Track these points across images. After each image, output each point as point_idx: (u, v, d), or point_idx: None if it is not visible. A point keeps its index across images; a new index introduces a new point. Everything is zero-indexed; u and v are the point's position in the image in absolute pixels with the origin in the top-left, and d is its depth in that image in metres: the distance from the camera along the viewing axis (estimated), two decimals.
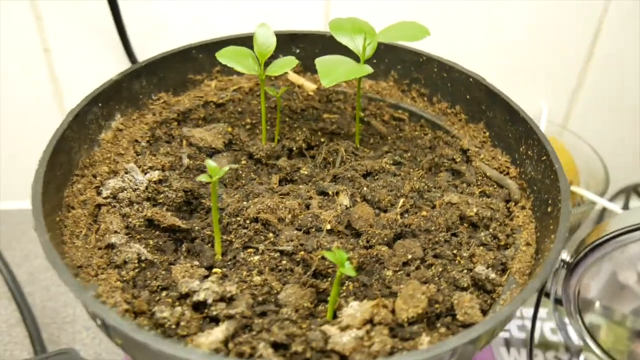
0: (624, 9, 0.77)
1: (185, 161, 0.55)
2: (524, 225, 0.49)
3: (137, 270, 0.45)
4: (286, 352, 0.39)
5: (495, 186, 0.53)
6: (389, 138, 0.60)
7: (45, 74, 0.77)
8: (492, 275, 0.45)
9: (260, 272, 0.46)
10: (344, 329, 0.41)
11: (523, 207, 0.51)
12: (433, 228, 0.49)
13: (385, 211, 0.52)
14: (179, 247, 0.49)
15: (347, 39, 0.52)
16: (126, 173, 0.52)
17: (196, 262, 0.47)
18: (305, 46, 0.64)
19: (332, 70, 0.48)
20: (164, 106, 0.59)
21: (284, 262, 0.46)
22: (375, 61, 0.63)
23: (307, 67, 0.65)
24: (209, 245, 0.49)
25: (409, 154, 0.58)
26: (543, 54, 0.81)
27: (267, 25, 0.53)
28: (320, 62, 0.49)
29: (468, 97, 0.58)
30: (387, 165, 0.56)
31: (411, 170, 0.56)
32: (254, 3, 0.76)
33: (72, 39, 0.76)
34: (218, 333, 0.40)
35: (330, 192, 0.52)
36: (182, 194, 0.52)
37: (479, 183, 0.54)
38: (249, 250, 0.47)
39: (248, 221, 0.49)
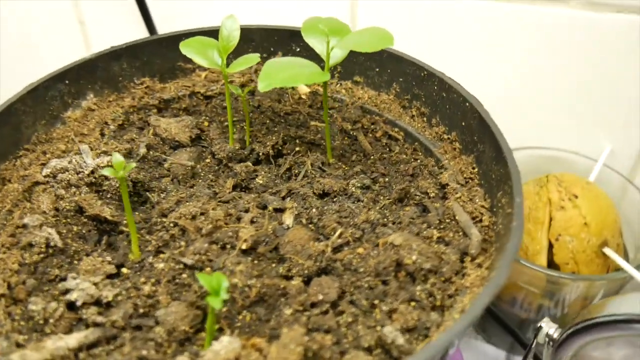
0: None
1: (142, 151, 0.53)
2: (472, 288, 0.40)
3: (42, 255, 0.44)
4: None
5: (460, 233, 0.45)
6: (372, 158, 0.53)
7: (81, 45, 0.79)
8: (400, 341, 0.37)
9: (156, 282, 0.42)
10: None
11: (479, 266, 0.42)
12: (362, 269, 0.42)
13: (328, 239, 0.45)
14: (101, 239, 0.47)
15: (316, 41, 0.47)
16: (76, 154, 0.51)
17: (109, 258, 0.45)
18: (306, 44, 0.59)
19: (274, 74, 0.43)
20: (146, 91, 0.58)
21: (184, 275, 0.42)
22: (378, 70, 0.56)
23: None
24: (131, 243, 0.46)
25: (385, 179, 0.51)
26: (607, 94, 0.67)
27: (235, 17, 0.49)
28: (270, 63, 0.44)
29: (463, 123, 0.50)
30: (353, 188, 0.49)
31: (379, 197, 0.49)
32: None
33: (105, 12, 0.77)
34: (71, 340, 0.38)
35: (270, 208, 0.47)
36: (130, 185, 0.50)
37: (442, 226, 0.45)
38: (160, 255, 0.44)
39: (171, 225, 0.46)
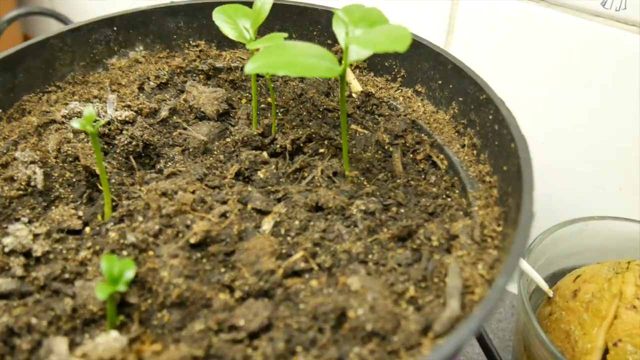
0: None
1: (163, 113, 0.50)
2: None
3: (20, 192, 0.43)
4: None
5: (439, 300, 0.35)
6: (397, 181, 0.45)
7: None
8: None
9: (99, 251, 0.39)
10: (80, 356, 0.33)
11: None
12: (303, 306, 0.35)
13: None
14: (86, 192, 0.45)
15: (340, 29, 0.40)
16: (103, 102, 0.50)
17: (80, 213, 0.43)
18: None
19: (268, 57, 0.37)
20: (199, 55, 0.55)
21: (124, 252, 0.39)
22: (440, 82, 0.47)
23: (372, 66, 0.53)
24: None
25: (400, 210, 0.42)
26: None
27: None
28: (276, 45, 0.38)
29: (505, 169, 0.39)
30: (354, 210, 0.42)
31: (379, 229, 0.41)
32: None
33: None
34: None
35: (249, 207, 0.42)
36: (140, 144, 0.48)
37: (424, 285, 0.36)
38: (120, 225, 0.41)
39: (142, 196, 0.42)
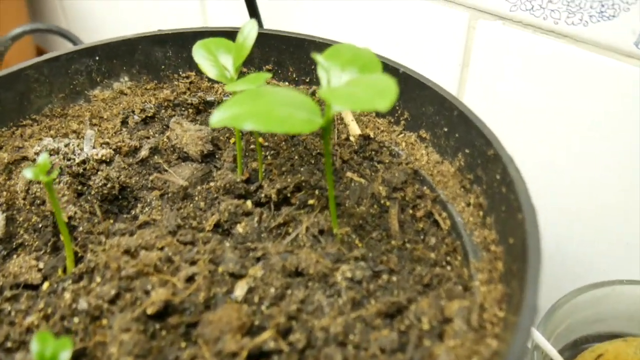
0: None
1: (143, 153, 0.46)
2: None
3: None
4: None
5: None
6: (392, 243, 0.40)
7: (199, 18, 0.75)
8: None
9: (49, 315, 0.35)
10: None
11: None
12: None
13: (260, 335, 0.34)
14: (51, 239, 0.42)
15: (324, 74, 0.35)
16: (79, 137, 0.47)
17: (41, 265, 0.40)
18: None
19: (237, 106, 0.32)
20: (188, 87, 0.51)
21: (75, 320, 0.35)
22: (446, 129, 0.42)
23: None
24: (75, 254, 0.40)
25: (392, 278, 0.37)
26: None
27: (255, 23, 0.39)
28: (250, 91, 0.33)
29: (511, 241, 0.34)
30: (339, 278, 0.37)
31: (366, 301, 0.36)
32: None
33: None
34: None
35: (220, 269, 0.37)
36: (116, 187, 0.44)
37: None
38: (78, 284, 0.37)
39: (104, 252, 0.38)
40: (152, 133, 0.48)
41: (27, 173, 0.35)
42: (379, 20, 0.57)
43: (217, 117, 0.32)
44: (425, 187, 0.42)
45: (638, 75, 0.41)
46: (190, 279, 0.36)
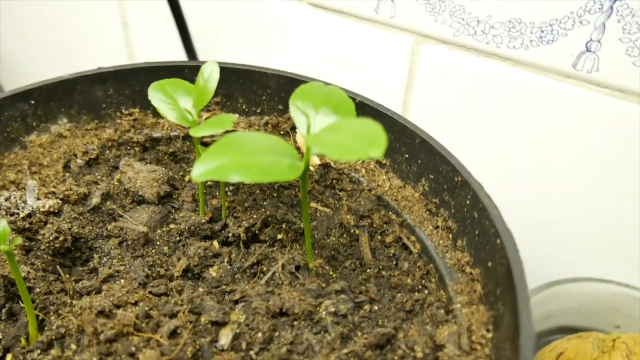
0: None
1: (95, 200, 0.43)
2: None
3: None
4: None
5: None
6: (368, 271, 0.40)
7: (123, 47, 0.72)
8: None
9: None
10: None
11: None
12: None
13: None
14: (5, 305, 0.38)
15: (301, 118, 0.35)
16: (19, 190, 0.43)
17: None
18: None
19: (217, 158, 0.31)
20: (133, 124, 0.48)
21: None
22: (407, 156, 0.43)
23: None
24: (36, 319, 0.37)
25: (373, 308, 0.38)
26: None
27: (216, 64, 0.38)
28: (228, 140, 0.33)
29: (490, 264, 0.36)
30: (324, 313, 0.37)
31: (354, 333, 0.36)
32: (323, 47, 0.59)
33: (149, 15, 0.69)
34: None
35: (203, 320, 0.36)
36: (69, 239, 0.41)
37: None
38: (49, 352, 0.35)
39: (75, 315, 0.36)
40: (99, 177, 0.46)
41: None
42: (323, 46, 0.58)
43: (199, 171, 0.31)
44: (390, 213, 0.43)
45: (575, 94, 0.45)
46: (173, 333, 0.35)
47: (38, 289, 0.39)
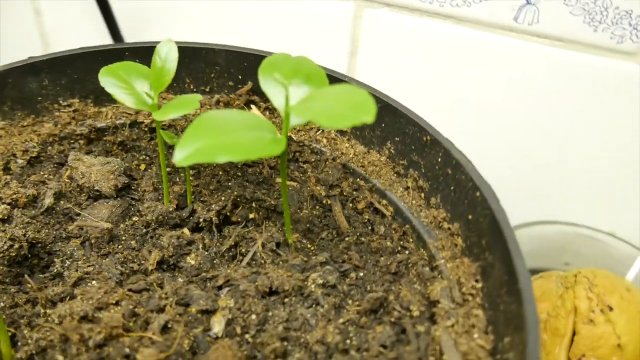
0: None
1: (47, 201, 0.40)
2: None
3: None
4: None
5: None
6: (347, 239, 0.41)
7: (37, 39, 0.66)
8: None
9: None
10: None
11: None
12: None
13: None
14: None
15: (275, 91, 0.34)
16: None
17: None
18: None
19: (204, 138, 0.30)
20: (74, 116, 0.45)
21: None
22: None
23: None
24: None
25: (359, 274, 0.38)
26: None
27: (172, 43, 0.36)
28: (203, 120, 0.31)
29: (470, 217, 0.37)
30: (313, 286, 0.37)
31: (345, 302, 0.36)
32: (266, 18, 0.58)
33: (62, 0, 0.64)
34: None
35: (193, 310, 0.35)
36: (24, 245, 0.38)
37: None
38: None
39: (54, 323, 0.33)
40: (46, 175, 0.42)
41: None
42: (263, 19, 0.56)
43: (183, 154, 0.29)
44: (358, 179, 0.44)
45: (518, 46, 0.47)
46: (165, 328, 0.34)
47: (2, 303, 0.36)
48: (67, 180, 0.42)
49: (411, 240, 0.41)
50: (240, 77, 0.46)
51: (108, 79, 0.36)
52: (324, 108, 0.30)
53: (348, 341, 0.34)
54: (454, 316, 0.34)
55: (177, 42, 0.44)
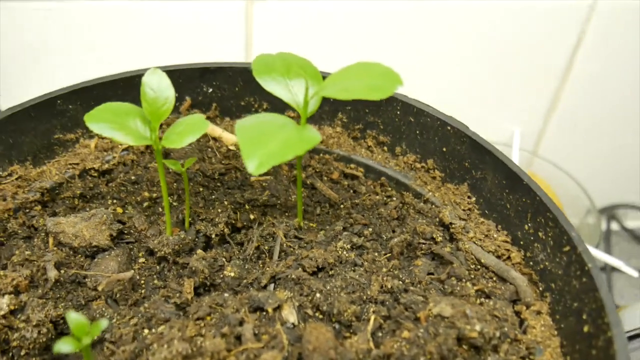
0: (601, 33, 0.66)
1: (52, 274, 0.37)
2: (544, 342, 0.35)
3: None
4: None
5: (494, 279, 0.39)
6: (342, 206, 0.45)
7: None
8: None
9: None
10: None
11: (538, 313, 0.37)
12: (422, 359, 0.34)
13: (349, 327, 0.36)
14: None
15: (280, 86, 0.36)
16: None
17: None
18: (220, 83, 0.47)
19: (262, 144, 0.32)
20: (19, 184, 0.41)
21: None
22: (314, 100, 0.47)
23: (225, 111, 0.49)
24: None
25: (370, 230, 0.43)
26: (515, 79, 0.68)
27: (159, 71, 0.36)
28: (243, 129, 0.33)
29: (444, 149, 0.44)
30: (345, 253, 0.40)
31: (376, 255, 0.41)
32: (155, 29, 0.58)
33: None
34: None
35: (269, 309, 0.36)
36: (49, 328, 0.35)
37: (472, 276, 0.39)
38: None
39: None
40: (26, 253, 0.39)
41: (62, 345, 0.27)
42: (157, 25, 0.55)
43: (255, 163, 0.31)
44: (322, 154, 0.48)
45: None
46: (256, 335, 0.35)
47: None
48: (54, 249, 0.39)
49: (391, 188, 0.46)
50: (176, 94, 0.46)
51: (98, 124, 0.35)
52: (359, 84, 0.33)
53: (401, 283, 0.39)
54: (470, 230, 0.41)
55: (81, 84, 0.43)
